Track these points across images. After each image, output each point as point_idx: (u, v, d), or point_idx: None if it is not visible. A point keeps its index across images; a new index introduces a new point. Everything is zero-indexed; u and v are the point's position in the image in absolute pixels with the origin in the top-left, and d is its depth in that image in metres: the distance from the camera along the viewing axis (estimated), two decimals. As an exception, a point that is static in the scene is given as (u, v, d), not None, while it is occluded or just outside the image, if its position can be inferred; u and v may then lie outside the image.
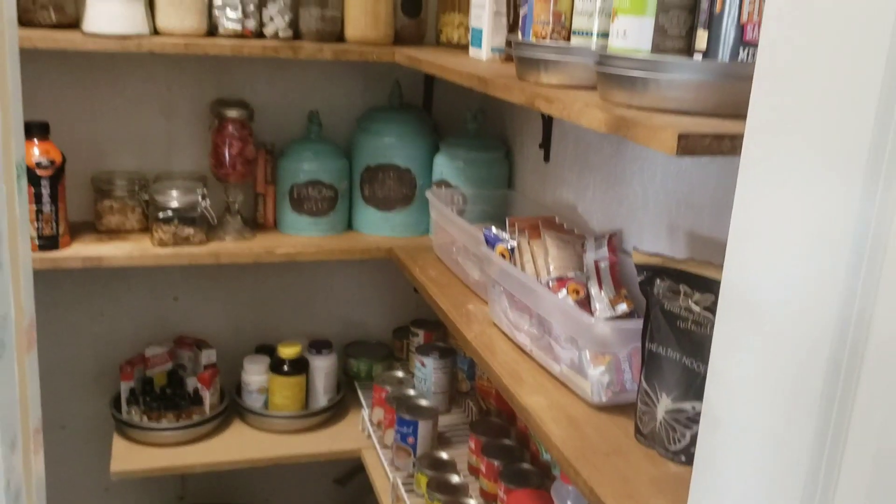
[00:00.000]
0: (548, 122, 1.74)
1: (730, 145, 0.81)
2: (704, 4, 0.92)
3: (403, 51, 1.71)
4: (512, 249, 1.41)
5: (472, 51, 1.63)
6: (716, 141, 0.81)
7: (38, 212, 1.63)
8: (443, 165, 1.89)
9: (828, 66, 0.61)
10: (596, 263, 1.36)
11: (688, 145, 0.80)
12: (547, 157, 1.77)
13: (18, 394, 0.54)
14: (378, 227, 1.95)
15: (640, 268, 1.09)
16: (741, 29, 0.89)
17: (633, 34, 0.98)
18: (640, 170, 1.42)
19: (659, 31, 0.97)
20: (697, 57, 0.93)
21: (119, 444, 1.88)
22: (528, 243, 1.45)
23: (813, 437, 0.65)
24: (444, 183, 1.88)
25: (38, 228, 1.64)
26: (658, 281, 1.07)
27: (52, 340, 1.97)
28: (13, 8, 0.55)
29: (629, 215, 1.45)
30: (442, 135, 2.01)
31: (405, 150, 1.93)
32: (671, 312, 1.04)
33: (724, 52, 0.91)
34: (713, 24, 0.91)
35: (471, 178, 1.87)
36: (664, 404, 1.04)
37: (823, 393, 0.64)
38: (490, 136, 1.99)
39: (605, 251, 1.36)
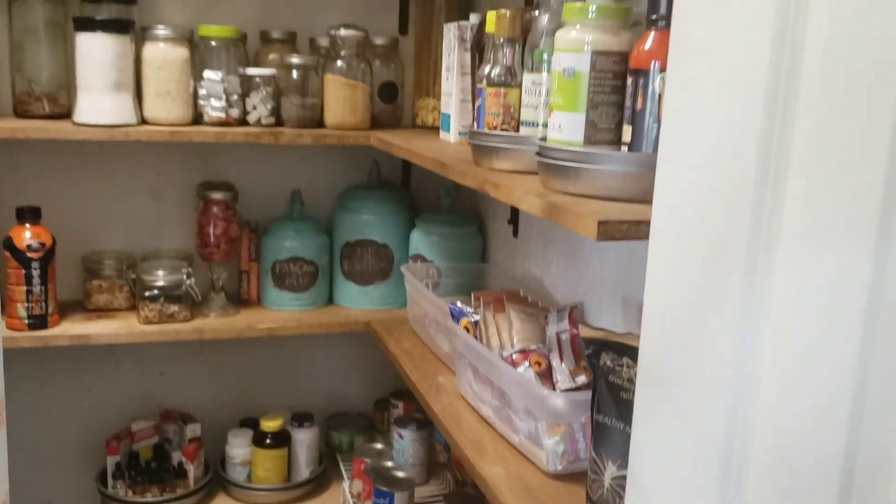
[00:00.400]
0: (516, 199, 1.82)
1: (646, 230, 0.88)
2: (628, 102, 1.01)
3: (378, 135, 1.81)
4: (476, 323, 1.48)
5: (442, 134, 1.73)
6: (633, 226, 0.89)
7: (29, 292, 1.71)
8: (418, 240, 1.97)
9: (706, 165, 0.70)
10: (557, 336, 1.42)
11: (607, 231, 0.88)
12: (515, 233, 1.85)
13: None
14: (357, 301, 2.03)
15: (587, 342, 1.16)
16: (660, 124, 0.97)
17: (567, 128, 1.07)
18: (596, 246, 1.50)
19: (590, 125, 1.05)
20: (624, 149, 1.02)
21: (104, 519, 1.92)
22: (494, 316, 1.51)
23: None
24: (419, 257, 1.96)
25: (27, 308, 1.72)
26: (603, 354, 1.13)
27: (40, 417, 2.02)
28: None
29: (589, 289, 1.53)
30: (419, 211, 2.10)
31: (383, 227, 2.01)
32: (614, 384, 1.10)
33: (646, 144, 0.99)
34: (636, 120, 1.00)
35: (445, 252, 1.95)
36: (610, 471, 1.09)
37: (720, 462, 0.71)
38: (463, 211, 2.08)
39: (566, 324, 1.43)
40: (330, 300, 2.06)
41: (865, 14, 0.57)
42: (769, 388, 0.67)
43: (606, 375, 1.12)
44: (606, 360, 1.13)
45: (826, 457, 0.62)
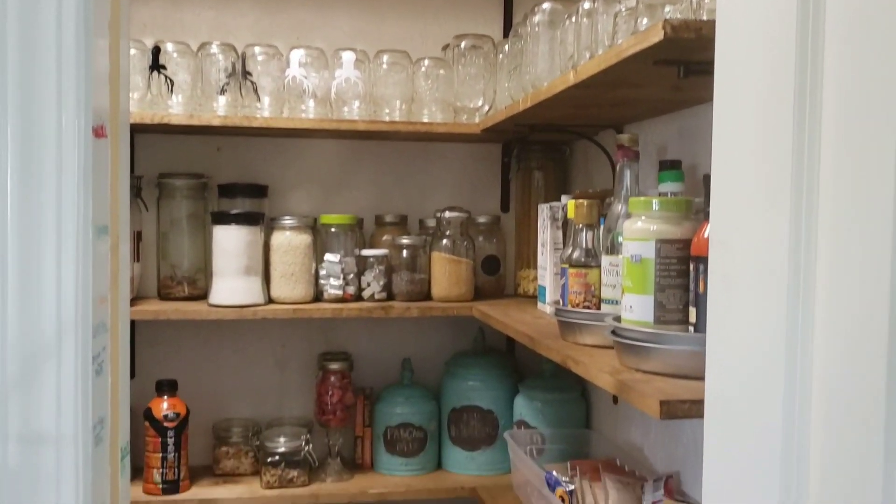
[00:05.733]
0: (614, 365, 1.88)
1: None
2: (692, 285, 1.10)
3: (479, 307, 1.94)
4: (571, 493, 1.52)
5: (540, 304, 1.84)
6: (694, 405, 0.95)
7: (164, 459, 1.88)
8: (522, 406, 2.04)
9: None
10: (653, 505, 1.44)
11: (669, 410, 0.95)
12: (616, 400, 1.90)
13: None
14: (465, 466, 2.09)
15: (672, 513, 1.19)
16: (720, 306, 1.04)
17: (638, 308, 1.15)
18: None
19: (658, 306, 1.14)
20: (691, 329, 1.09)
21: None
22: (590, 486, 1.55)
23: None
24: (523, 423, 2.02)
25: (162, 474, 1.88)
26: (687, 526, 1.16)
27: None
28: (127, 318, 0.77)
29: (684, 457, 1.55)
30: (523, 376, 2.17)
31: (488, 392, 2.10)
32: (698, 558, 1.12)
33: (710, 324, 1.06)
34: (699, 302, 1.08)
35: (548, 417, 2.00)
36: None
37: None
38: (566, 377, 2.14)
39: (661, 493, 1.45)
40: (438, 465, 2.14)
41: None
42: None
43: (691, 549, 1.14)
44: (691, 532, 1.15)
45: None
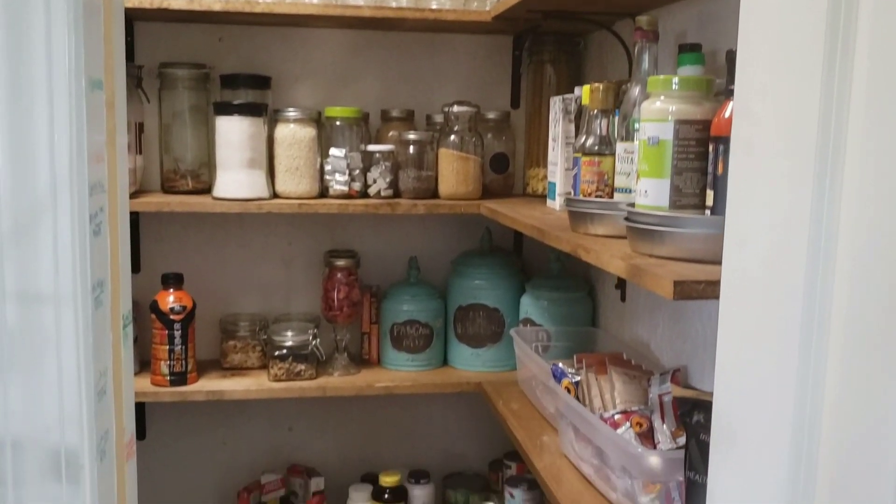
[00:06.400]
0: (623, 263, 1.86)
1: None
2: (710, 167, 1.06)
3: (487, 204, 1.91)
4: (577, 383, 1.52)
5: (549, 202, 1.81)
6: (709, 286, 0.93)
7: (171, 351, 1.89)
8: (528, 305, 2.03)
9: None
10: (660, 398, 1.44)
11: (683, 291, 0.93)
12: (623, 297, 1.88)
13: (117, 493, 0.71)
14: (470, 363, 2.10)
15: (680, 401, 1.18)
16: (739, 188, 1.01)
17: (653, 193, 1.12)
18: (698, 309, 1.51)
19: (675, 190, 1.10)
20: (707, 213, 1.06)
21: (234, 566, 2.04)
22: (596, 378, 1.55)
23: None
24: (529, 321, 2.02)
25: (169, 366, 1.89)
26: (695, 413, 1.15)
27: (179, 467, 2.19)
28: (125, 181, 0.74)
29: (692, 352, 1.54)
30: (529, 276, 2.16)
31: (494, 291, 2.09)
32: (705, 442, 1.12)
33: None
34: (718, 184, 1.04)
35: (554, 316, 2.00)
36: (702, 530, 1.10)
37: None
38: (573, 276, 2.13)
39: (668, 386, 1.45)
40: (444, 361, 2.15)
41: None
42: (830, 440, 0.69)
43: (698, 434, 1.14)
44: (699, 418, 1.15)
45: None
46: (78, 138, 0.63)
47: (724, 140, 1.04)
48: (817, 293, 0.70)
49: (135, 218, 2.06)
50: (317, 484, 2.12)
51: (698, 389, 1.15)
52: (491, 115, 2.12)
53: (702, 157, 1.09)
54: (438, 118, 2.08)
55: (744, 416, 0.79)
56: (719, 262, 1.02)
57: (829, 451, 0.70)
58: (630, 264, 1.04)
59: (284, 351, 2.00)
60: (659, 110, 1.11)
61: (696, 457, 1.13)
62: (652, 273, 0.97)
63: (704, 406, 1.15)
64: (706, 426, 1.13)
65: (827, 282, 0.70)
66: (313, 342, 2.02)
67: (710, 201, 1.06)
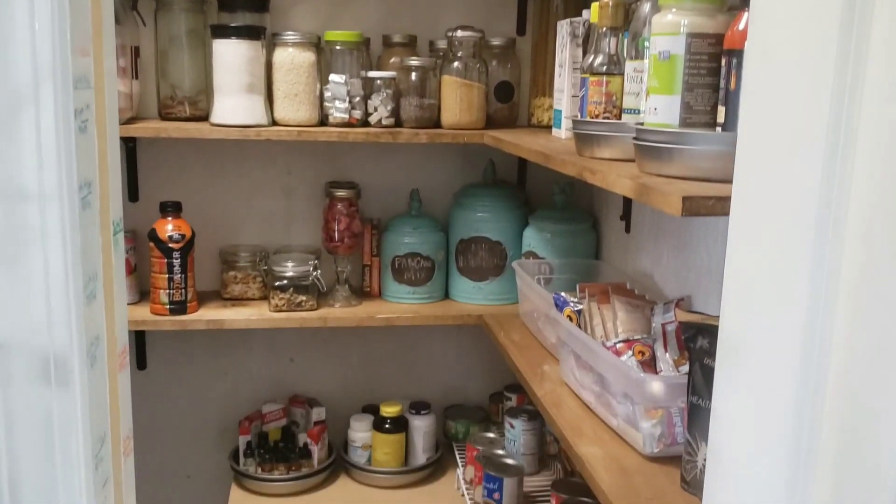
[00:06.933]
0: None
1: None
2: (722, 83, 1.02)
3: (490, 133, 1.87)
4: (579, 312, 1.50)
5: (555, 130, 1.76)
6: (719, 202, 0.90)
7: (170, 280, 1.87)
8: (531, 237, 2.01)
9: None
10: (663, 326, 1.42)
11: (691, 207, 0.90)
12: (628, 228, 1.86)
13: (110, 403, 0.70)
14: (471, 296, 2.09)
15: (684, 325, 1.16)
16: (752, 103, 0.98)
17: (662, 110, 1.08)
18: (704, 235, 1.49)
19: (685, 107, 1.07)
20: (718, 130, 1.03)
21: (236, 493, 2.06)
22: (599, 308, 1.53)
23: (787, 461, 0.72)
24: (532, 254, 1.99)
25: (169, 294, 1.88)
26: (699, 338, 1.14)
27: (181, 398, 2.20)
28: (115, 96, 0.71)
29: (697, 280, 1.52)
30: (533, 208, 2.13)
31: (497, 224, 2.06)
32: (708, 366, 1.10)
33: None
34: (730, 100, 1.01)
35: (558, 249, 1.97)
36: (703, 453, 1.10)
37: (793, 428, 0.71)
38: (577, 208, 2.10)
39: (671, 315, 1.43)
40: (446, 295, 2.13)
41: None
42: (840, 359, 0.67)
43: (702, 358, 1.12)
44: (703, 343, 1.13)
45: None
46: (60, 27, 0.60)
47: (737, 53, 1.00)
48: (832, 204, 0.68)
49: (132, 146, 2.03)
50: (318, 414, 2.13)
51: (704, 314, 1.14)
52: (496, 42, 2.07)
53: (714, 72, 1.06)
54: (442, 44, 2.03)
55: (752, 332, 0.77)
56: (730, 181, 0.99)
57: (840, 366, 0.68)
58: (637, 183, 1.01)
59: (285, 282, 1.99)
60: (671, 23, 1.07)
61: (699, 382, 1.12)
62: (660, 190, 0.94)
63: (709, 331, 1.13)
64: (710, 351, 1.11)
65: (843, 192, 0.67)
66: (314, 273, 2.00)
67: (721, 118, 1.03)
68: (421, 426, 2.12)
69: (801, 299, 0.70)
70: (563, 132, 1.70)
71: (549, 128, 1.95)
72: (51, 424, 0.62)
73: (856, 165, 0.66)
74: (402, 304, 2.08)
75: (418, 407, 2.14)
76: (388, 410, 2.09)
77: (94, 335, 0.65)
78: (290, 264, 2.00)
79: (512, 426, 1.96)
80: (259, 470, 2.06)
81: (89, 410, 0.64)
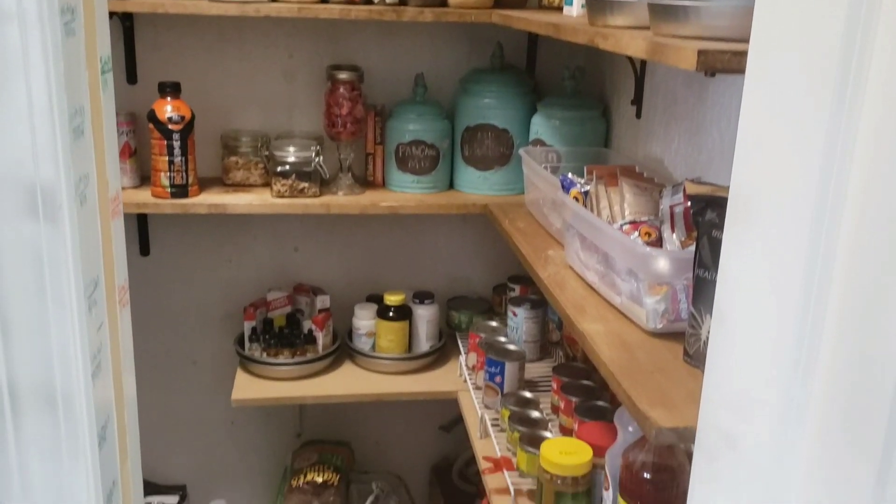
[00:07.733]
0: (640, 78, 1.78)
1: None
2: (744, -64, 0.96)
3: (498, 11, 1.80)
4: (586, 193, 1.47)
5: (566, 9, 1.70)
6: (735, 57, 0.86)
7: (171, 162, 1.84)
8: (539, 125, 1.96)
9: None
10: (671, 208, 1.40)
11: (707, 61, 0.86)
12: (639, 114, 1.81)
13: (103, 248, 0.68)
14: (477, 186, 2.05)
15: (693, 199, 1.14)
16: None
17: (679, -31, 1.03)
18: (717, 117, 1.45)
19: (703, -36, 1.01)
20: (736, -13, 0.98)
21: (241, 377, 2.08)
22: (606, 190, 1.50)
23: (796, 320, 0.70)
24: (539, 142, 1.95)
25: (170, 178, 1.85)
26: (708, 211, 1.11)
27: (185, 284, 2.20)
28: None
29: (708, 163, 1.48)
30: (542, 95, 2.08)
31: (504, 111, 2.01)
32: (717, 239, 1.08)
33: (760, -21, 0.94)
34: (751, -46, 0.95)
35: (566, 136, 1.93)
36: (707, 325, 1.09)
37: (803, 286, 0.69)
38: (588, 95, 2.04)
39: (680, 197, 1.40)
40: (450, 185, 2.10)
41: None
42: (851, 220, 0.65)
43: (710, 231, 1.10)
44: (712, 216, 1.11)
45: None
46: None
47: None
48: (854, 55, 0.64)
49: (129, 25, 1.97)
50: (322, 301, 2.13)
51: (714, 184, 1.11)
52: (505, -82, 1.97)
53: (735, -73, 1.00)
54: (449, -81, 1.94)
55: (765, 183, 0.74)
56: (746, 41, 0.95)
57: (853, 221, 0.66)
58: (651, 42, 0.96)
59: (287, 167, 1.96)
60: None
61: (706, 254, 1.10)
62: (675, 47, 0.90)
63: (719, 203, 1.10)
64: (719, 223, 1.09)
65: (867, 42, 0.63)
66: (316, 159, 1.97)
67: (741, -25, 0.97)
68: (424, 315, 2.13)
69: (815, 151, 0.67)
70: (574, 10, 1.64)
71: (559, 9, 1.88)
72: (40, 260, 0.61)
73: (881, 18, 0.62)
74: (406, 193, 2.05)
75: (422, 296, 2.14)
76: (392, 299, 2.10)
77: (83, 172, 0.63)
78: (291, 149, 1.96)
79: (515, 314, 1.96)
80: (265, 354, 2.08)
81: (80, 250, 0.63)
